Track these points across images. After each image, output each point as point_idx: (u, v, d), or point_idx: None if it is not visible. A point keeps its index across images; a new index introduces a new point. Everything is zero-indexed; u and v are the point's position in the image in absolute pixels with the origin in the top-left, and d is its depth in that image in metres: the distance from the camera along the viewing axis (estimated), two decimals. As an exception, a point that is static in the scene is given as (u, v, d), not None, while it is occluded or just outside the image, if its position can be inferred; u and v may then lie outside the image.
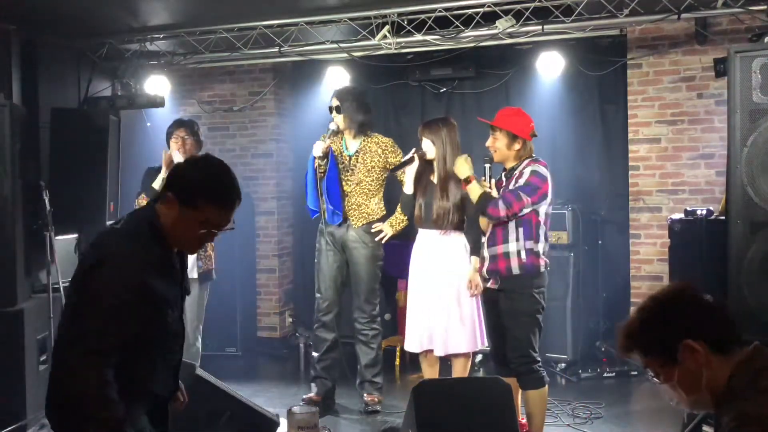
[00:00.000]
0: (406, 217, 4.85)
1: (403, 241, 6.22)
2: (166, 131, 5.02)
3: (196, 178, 2.25)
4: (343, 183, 4.86)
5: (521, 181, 3.92)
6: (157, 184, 4.73)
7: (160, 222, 2.25)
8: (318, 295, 5.04)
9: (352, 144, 4.90)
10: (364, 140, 4.88)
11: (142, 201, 4.76)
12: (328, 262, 4.93)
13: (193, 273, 4.81)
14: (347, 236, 4.88)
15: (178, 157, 4.73)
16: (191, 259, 4.81)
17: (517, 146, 4.01)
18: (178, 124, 4.99)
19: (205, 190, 2.23)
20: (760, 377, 1.76)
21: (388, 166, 4.87)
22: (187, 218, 2.23)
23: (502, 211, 3.88)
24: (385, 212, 4.96)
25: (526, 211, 3.90)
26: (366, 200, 4.86)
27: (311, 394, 5.02)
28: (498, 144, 4.03)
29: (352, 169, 4.86)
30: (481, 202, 4.01)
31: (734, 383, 1.77)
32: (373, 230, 4.88)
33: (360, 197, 4.86)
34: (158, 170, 4.94)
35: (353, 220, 4.86)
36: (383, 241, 4.92)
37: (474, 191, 4.08)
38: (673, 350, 1.80)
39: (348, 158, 4.88)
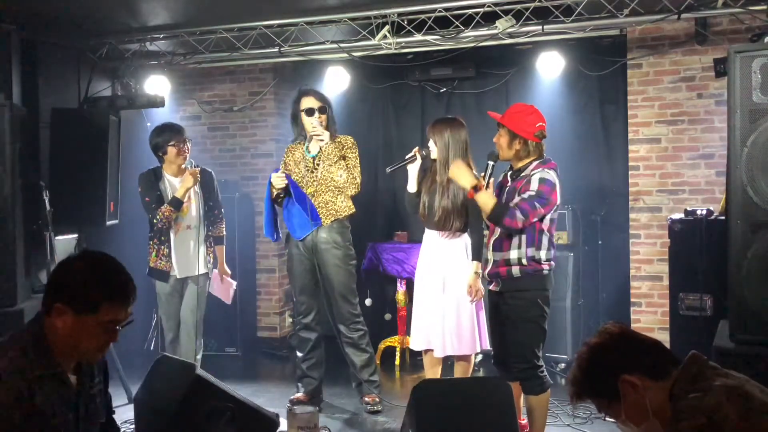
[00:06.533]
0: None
1: (403, 242, 6.27)
2: (156, 141, 4.92)
3: (89, 281, 2.11)
4: (308, 185, 4.84)
5: (532, 189, 3.74)
6: (180, 192, 4.80)
7: (48, 338, 2.11)
8: (295, 299, 5.09)
9: (313, 146, 4.88)
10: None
11: (167, 212, 4.79)
12: (299, 266, 4.94)
13: (203, 268, 4.97)
14: (318, 238, 4.86)
15: (180, 162, 4.88)
16: (201, 255, 4.93)
17: (517, 146, 3.84)
18: (175, 131, 4.94)
19: (104, 291, 2.11)
20: (697, 381, 1.82)
21: (345, 161, 4.87)
22: (85, 325, 2.11)
23: (520, 222, 3.70)
24: (353, 210, 4.95)
25: (534, 220, 3.77)
26: (333, 197, 4.86)
27: (299, 395, 5.04)
28: (501, 141, 3.89)
29: (316, 168, 4.85)
30: (496, 212, 3.75)
31: (675, 394, 1.83)
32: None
33: (327, 195, 4.84)
34: (153, 173, 4.94)
35: (322, 219, 4.84)
36: None
37: (485, 201, 3.79)
38: (614, 388, 1.88)
39: (312, 160, 4.87)
